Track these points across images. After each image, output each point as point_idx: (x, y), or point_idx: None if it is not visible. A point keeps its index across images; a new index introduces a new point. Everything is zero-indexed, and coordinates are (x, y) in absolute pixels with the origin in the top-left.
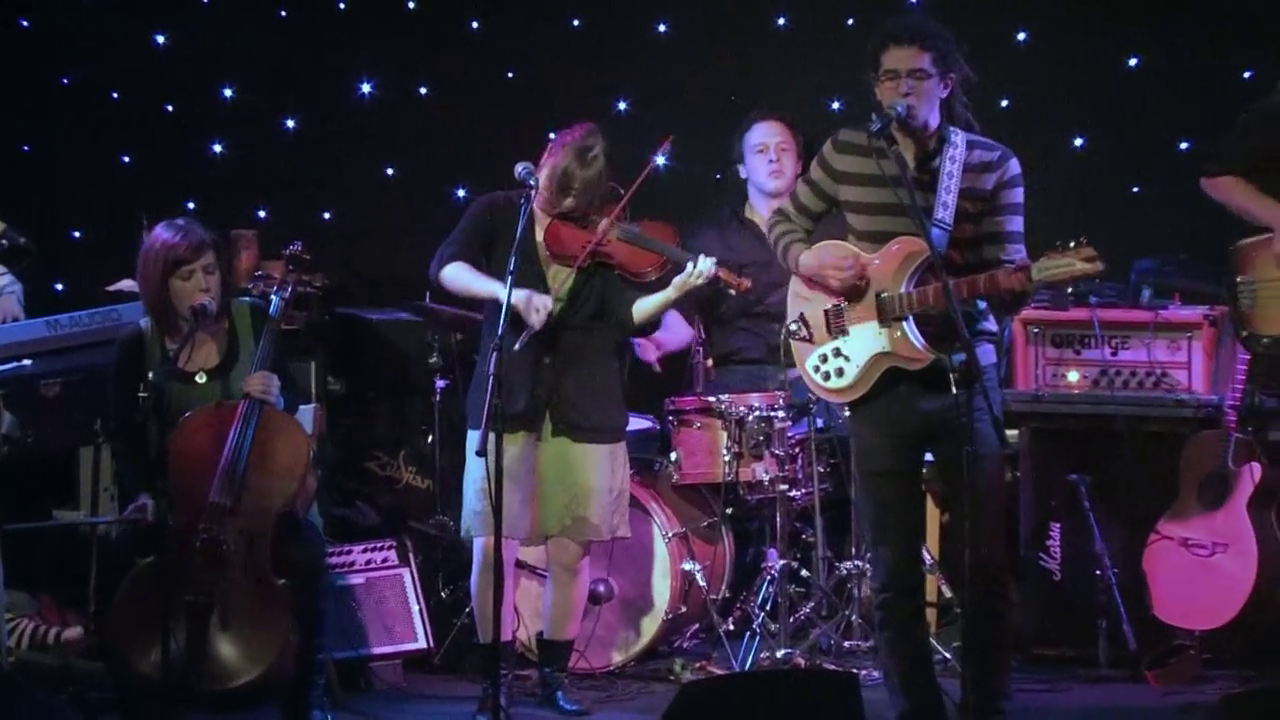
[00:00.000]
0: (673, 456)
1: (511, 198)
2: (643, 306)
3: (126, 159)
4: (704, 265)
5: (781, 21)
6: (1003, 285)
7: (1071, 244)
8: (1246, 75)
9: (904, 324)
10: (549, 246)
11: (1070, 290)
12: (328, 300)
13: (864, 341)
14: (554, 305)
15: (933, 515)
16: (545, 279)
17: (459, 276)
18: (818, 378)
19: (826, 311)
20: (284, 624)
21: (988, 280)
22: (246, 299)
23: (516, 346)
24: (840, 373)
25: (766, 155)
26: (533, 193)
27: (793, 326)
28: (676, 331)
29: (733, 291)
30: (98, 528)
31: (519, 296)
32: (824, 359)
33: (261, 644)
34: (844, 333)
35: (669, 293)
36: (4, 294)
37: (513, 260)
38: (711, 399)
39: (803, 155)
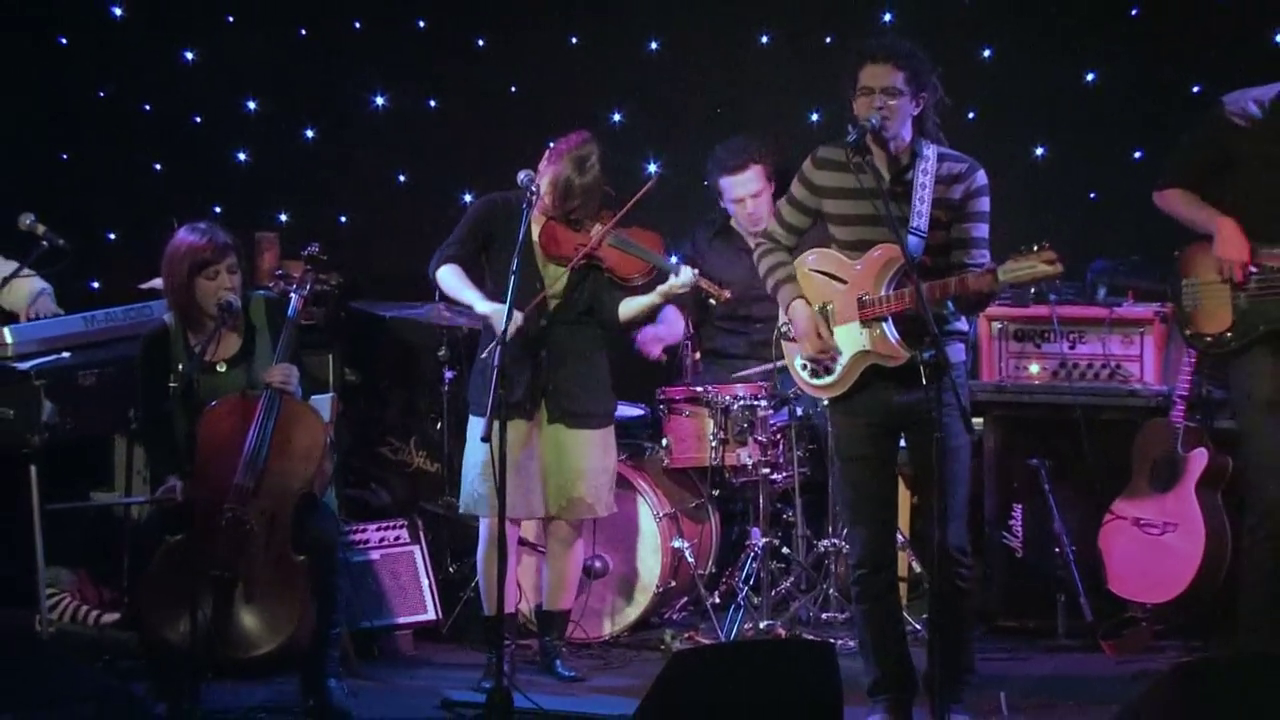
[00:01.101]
0: (663, 442)
1: (509, 199)
2: (627, 308)
3: (157, 166)
4: (686, 276)
5: (765, 39)
6: (972, 287)
7: (1035, 247)
8: (1196, 90)
9: (883, 324)
10: (543, 246)
11: (1032, 289)
12: (344, 297)
13: (847, 341)
14: (550, 300)
15: (904, 497)
16: (542, 276)
17: (448, 281)
18: (805, 374)
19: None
20: (302, 597)
21: (958, 283)
22: (261, 292)
23: (483, 355)
24: (827, 370)
25: (745, 207)
26: (534, 198)
27: (783, 328)
28: (675, 326)
29: (713, 301)
30: (131, 508)
31: (492, 309)
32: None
33: (281, 616)
34: (829, 333)
35: (653, 298)
36: (42, 294)
37: (515, 260)
38: (699, 389)
39: (774, 177)
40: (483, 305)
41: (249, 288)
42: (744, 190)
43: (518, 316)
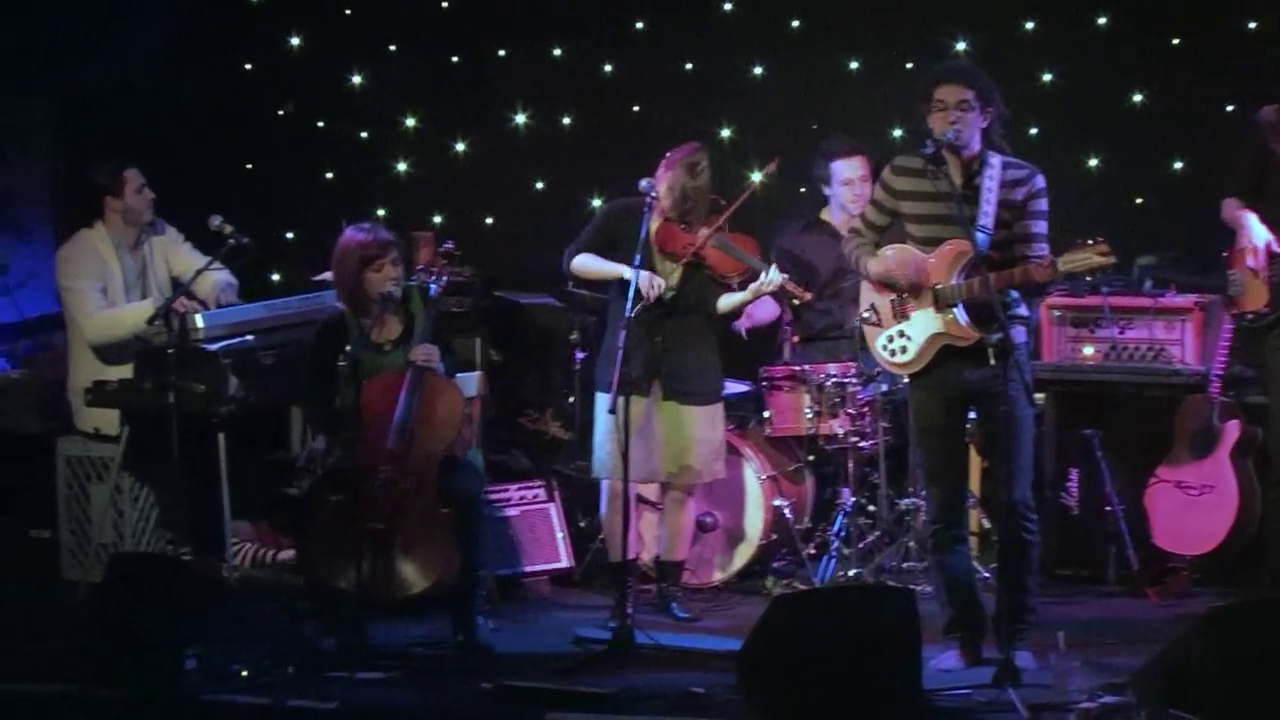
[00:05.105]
0: (765, 414)
1: (632, 204)
2: (725, 302)
3: (329, 175)
4: (774, 277)
5: (854, 65)
6: (1034, 277)
7: (1090, 241)
8: (1229, 108)
9: (955, 310)
10: (657, 244)
11: (1088, 280)
12: (488, 287)
13: (922, 324)
14: (665, 293)
15: (975, 461)
16: (655, 270)
17: (587, 263)
18: (885, 354)
19: (892, 301)
20: (449, 545)
21: (1022, 273)
22: (414, 281)
23: (629, 313)
24: (904, 350)
25: (853, 188)
26: (653, 202)
27: (865, 314)
28: (765, 307)
29: (796, 301)
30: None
31: (640, 275)
32: (890, 339)
33: (431, 561)
34: (906, 318)
35: (745, 295)
36: (227, 288)
37: (638, 257)
38: (797, 367)
39: (874, 176)
40: (629, 271)
41: (408, 280)
42: (853, 173)
43: (659, 282)
